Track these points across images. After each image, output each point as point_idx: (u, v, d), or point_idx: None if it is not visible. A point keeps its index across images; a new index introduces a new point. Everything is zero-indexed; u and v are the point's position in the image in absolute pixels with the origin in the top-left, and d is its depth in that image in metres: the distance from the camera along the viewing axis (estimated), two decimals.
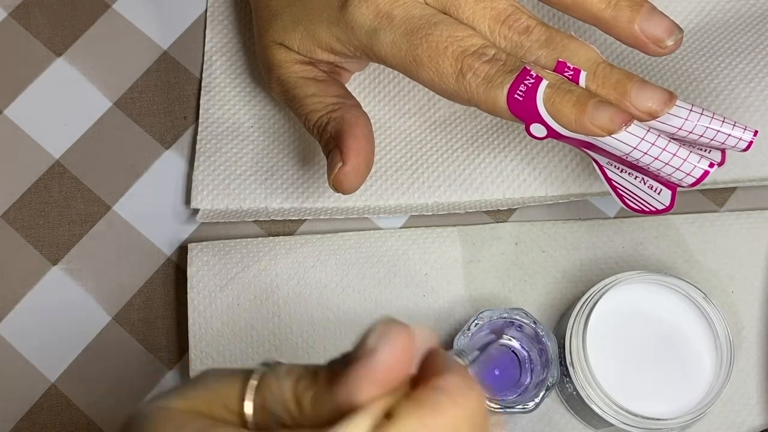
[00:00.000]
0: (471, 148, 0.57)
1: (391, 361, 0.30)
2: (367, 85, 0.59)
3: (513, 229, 0.56)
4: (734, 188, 0.58)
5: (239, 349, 0.54)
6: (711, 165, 0.43)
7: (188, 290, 0.54)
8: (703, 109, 0.45)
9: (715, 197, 0.58)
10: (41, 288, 0.56)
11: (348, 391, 0.30)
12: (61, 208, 0.58)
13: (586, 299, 0.50)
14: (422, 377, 0.31)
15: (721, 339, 0.50)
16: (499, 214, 0.57)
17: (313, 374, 0.31)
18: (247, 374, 0.32)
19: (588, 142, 0.44)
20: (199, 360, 0.53)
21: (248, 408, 0.32)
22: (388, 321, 0.30)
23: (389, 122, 0.59)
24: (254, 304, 0.54)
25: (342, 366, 0.30)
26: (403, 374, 0.31)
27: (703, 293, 0.50)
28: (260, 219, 0.56)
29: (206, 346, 0.54)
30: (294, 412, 0.31)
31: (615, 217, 0.57)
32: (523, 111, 0.44)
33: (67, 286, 0.56)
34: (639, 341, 0.50)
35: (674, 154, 0.43)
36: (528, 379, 0.52)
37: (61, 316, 0.56)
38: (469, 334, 0.50)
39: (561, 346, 0.50)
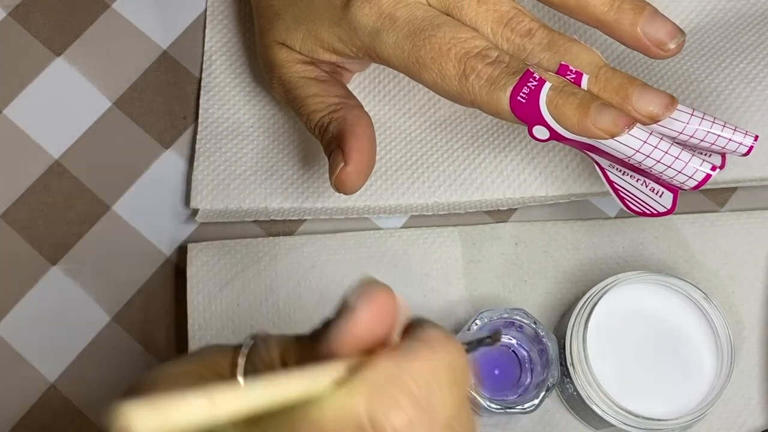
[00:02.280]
0: (471, 148, 0.57)
1: (371, 317, 0.30)
2: (367, 85, 0.59)
3: (513, 229, 0.56)
4: (735, 188, 0.58)
5: None
6: (713, 168, 0.44)
7: (188, 290, 0.54)
8: (704, 114, 0.45)
9: (715, 197, 0.58)
10: (41, 288, 0.56)
11: (328, 346, 0.30)
12: (61, 208, 0.57)
13: (587, 299, 0.50)
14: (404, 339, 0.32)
15: (721, 339, 0.50)
16: (500, 214, 0.57)
17: (298, 340, 0.33)
18: (238, 346, 0.34)
19: (590, 144, 0.44)
20: None
21: (240, 372, 0.33)
22: (368, 281, 0.31)
23: (390, 122, 0.59)
24: (254, 304, 0.54)
25: (324, 329, 0.31)
26: (383, 333, 0.31)
27: (704, 293, 0.50)
28: (260, 219, 0.56)
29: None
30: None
31: (615, 218, 0.57)
32: (526, 113, 0.43)
33: (67, 286, 0.56)
34: (639, 341, 0.50)
35: (676, 158, 0.43)
36: (528, 380, 0.52)
37: (60, 316, 0.56)
38: (469, 335, 0.50)
39: (561, 347, 0.50)
